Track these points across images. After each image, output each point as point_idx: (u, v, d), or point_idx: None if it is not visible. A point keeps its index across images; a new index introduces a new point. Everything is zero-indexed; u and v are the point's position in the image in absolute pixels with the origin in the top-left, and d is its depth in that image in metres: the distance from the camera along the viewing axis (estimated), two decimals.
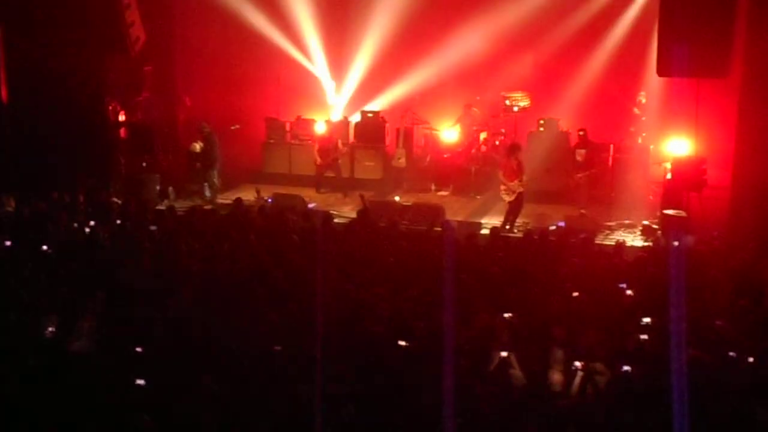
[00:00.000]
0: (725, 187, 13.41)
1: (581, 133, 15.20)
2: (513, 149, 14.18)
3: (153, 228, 11.28)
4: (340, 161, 16.48)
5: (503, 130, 16.82)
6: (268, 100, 17.69)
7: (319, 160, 16.47)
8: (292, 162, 17.05)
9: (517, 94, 16.56)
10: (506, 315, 8.38)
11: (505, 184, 14.01)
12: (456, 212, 15.11)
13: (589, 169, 15.02)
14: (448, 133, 17.10)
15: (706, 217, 12.88)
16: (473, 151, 16.62)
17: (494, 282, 9.56)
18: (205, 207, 13.91)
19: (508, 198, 13.94)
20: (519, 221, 14.08)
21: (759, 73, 12.36)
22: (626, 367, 6.89)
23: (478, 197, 16.04)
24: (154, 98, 15.95)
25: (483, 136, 16.84)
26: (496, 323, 8.22)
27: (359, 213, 12.92)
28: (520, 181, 13.90)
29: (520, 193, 13.98)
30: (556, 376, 7.42)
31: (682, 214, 12.30)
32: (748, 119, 12.56)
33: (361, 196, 13.77)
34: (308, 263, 9.22)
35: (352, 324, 7.95)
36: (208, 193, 15.05)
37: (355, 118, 17.45)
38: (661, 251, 10.96)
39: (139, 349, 7.13)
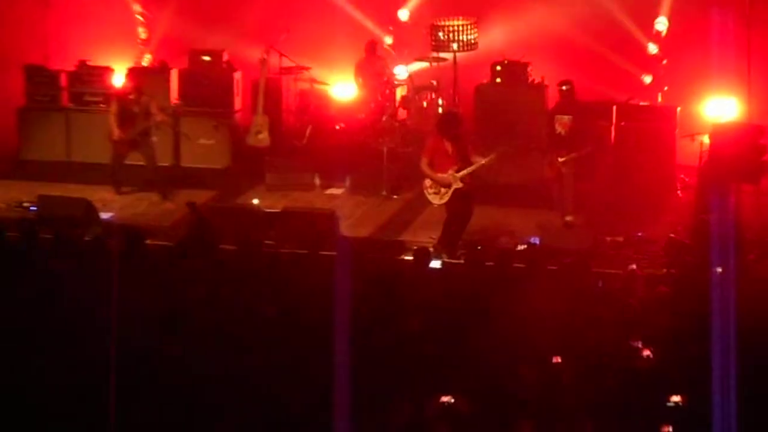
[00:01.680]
0: None
1: (564, 87, 15.59)
2: (445, 122, 14.50)
3: None
4: (154, 138, 16.52)
5: (434, 83, 17.14)
6: (30, 37, 17.92)
7: (117, 134, 16.49)
8: (71, 141, 17.27)
9: (456, 22, 16.88)
10: (444, 398, 8.61)
11: (431, 178, 14.23)
12: (359, 224, 15.52)
13: (578, 147, 15.34)
14: (343, 88, 17.54)
15: (766, 223, 13.59)
16: (385, 118, 16.93)
17: (422, 345, 9.71)
18: None
19: (437, 200, 14.34)
20: (464, 238, 14.43)
21: None
22: None
23: (396, 197, 16.39)
24: None
25: (401, 93, 17.32)
26: (425, 415, 8.43)
27: (191, 227, 13.35)
28: (456, 170, 14.15)
29: (459, 192, 14.23)
30: None
31: (729, 219, 12.39)
32: None
33: (190, 206, 13.87)
34: (98, 314, 9.21)
35: (177, 421, 8.19)
36: None
37: (181, 64, 17.78)
38: (697, 283, 11.11)
39: None
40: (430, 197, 14.40)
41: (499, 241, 14.63)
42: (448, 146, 14.30)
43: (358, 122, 17.42)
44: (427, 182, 14.35)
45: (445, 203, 14.34)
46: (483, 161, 14.35)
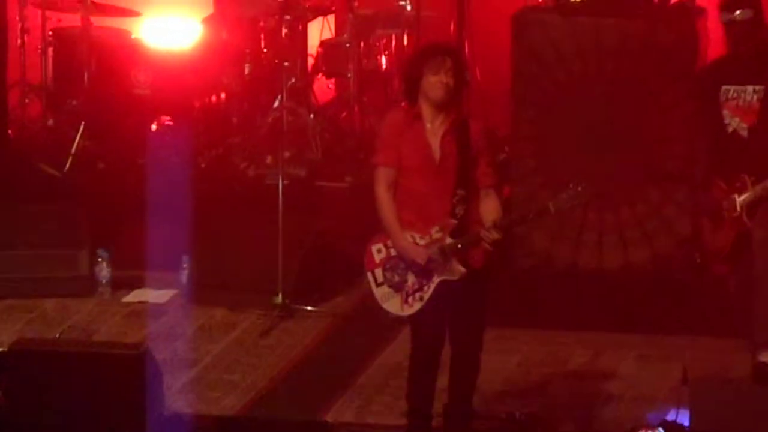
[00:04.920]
0: None
1: (738, 15, 10.51)
2: (421, 60, 9.89)
3: None
4: None
5: (407, 6, 12.38)
6: None
7: None
8: None
9: None
10: None
11: (390, 235, 9.38)
12: (218, 383, 10.77)
13: None
14: (167, 25, 13.03)
15: None
16: (278, 103, 12.36)
17: None
18: None
19: (396, 308, 9.23)
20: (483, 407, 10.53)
21: None
22: None
23: (311, 309, 11.38)
24: None
25: (322, 33, 13.32)
26: None
27: None
28: (454, 228, 9.48)
29: (458, 288, 9.43)
30: None
31: None
32: None
33: None
34: None
35: None
36: None
37: None
38: None
39: None
40: (379, 294, 8.46)
41: (586, 420, 9.56)
42: (431, 136, 8.52)
43: (210, 113, 12.40)
44: (376, 252, 8.60)
45: (419, 311, 8.26)
46: (532, 213, 8.95)
